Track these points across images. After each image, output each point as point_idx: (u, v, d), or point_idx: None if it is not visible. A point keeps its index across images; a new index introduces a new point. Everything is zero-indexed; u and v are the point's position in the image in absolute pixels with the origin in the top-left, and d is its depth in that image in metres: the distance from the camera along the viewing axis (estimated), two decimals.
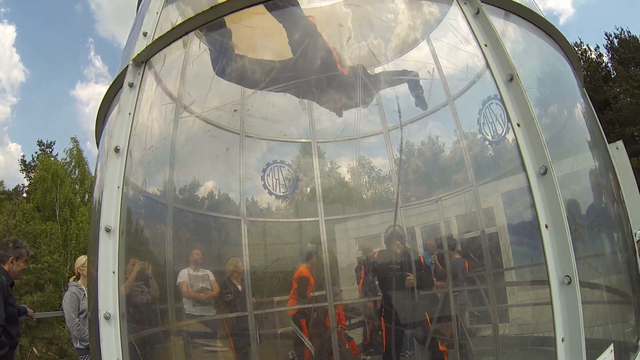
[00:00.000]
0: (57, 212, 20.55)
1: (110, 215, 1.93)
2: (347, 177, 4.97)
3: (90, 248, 2.79)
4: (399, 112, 3.80)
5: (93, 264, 2.13)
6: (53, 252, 19.14)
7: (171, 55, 2.65)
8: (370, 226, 4.70)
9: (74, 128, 50.43)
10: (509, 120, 1.68)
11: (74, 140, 23.62)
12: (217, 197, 4.36)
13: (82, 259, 4.78)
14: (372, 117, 4.58)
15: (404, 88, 4.18)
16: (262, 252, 4.71)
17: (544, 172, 1.61)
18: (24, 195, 26.32)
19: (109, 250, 1.88)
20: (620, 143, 6.34)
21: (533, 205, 1.63)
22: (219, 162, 4.31)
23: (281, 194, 4.49)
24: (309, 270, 4.56)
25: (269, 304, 4.49)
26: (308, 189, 4.62)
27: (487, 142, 3.87)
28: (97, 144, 3.25)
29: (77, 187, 22.47)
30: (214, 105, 3.80)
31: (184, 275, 4.02)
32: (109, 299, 1.88)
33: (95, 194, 2.97)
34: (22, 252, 3.47)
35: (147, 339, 2.78)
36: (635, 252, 3.01)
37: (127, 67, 2.37)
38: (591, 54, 25.59)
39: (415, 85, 3.62)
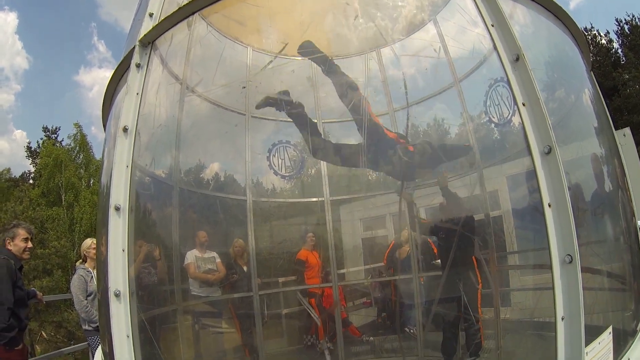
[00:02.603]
0: (63, 197, 20.77)
1: (120, 194, 1.95)
2: None
3: (99, 228, 2.83)
4: (406, 91, 3.77)
5: (103, 243, 2.16)
6: (60, 237, 19.40)
7: (177, 36, 2.65)
8: (376, 207, 4.72)
9: (79, 113, 50.44)
10: (515, 99, 1.68)
11: (77, 126, 23.75)
12: (222, 178, 4.39)
13: (88, 242, 4.85)
14: (379, 98, 4.55)
15: (409, 69, 4.16)
16: (268, 234, 4.75)
17: (548, 151, 1.61)
18: (30, 182, 26.56)
19: (118, 228, 1.91)
20: (627, 130, 6.24)
21: (537, 185, 1.64)
22: (225, 143, 4.32)
23: (287, 174, 4.50)
24: (307, 252, 4.63)
25: (274, 285, 4.56)
26: (313, 170, 4.62)
27: (492, 125, 3.86)
28: (104, 126, 3.26)
29: (82, 171, 22.62)
30: (220, 85, 3.81)
31: (190, 257, 4.08)
32: (119, 277, 1.91)
33: (103, 178, 2.99)
34: (17, 232, 3.45)
35: (156, 318, 2.83)
36: (638, 239, 3.02)
37: (133, 48, 2.36)
38: (601, 40, 25.14)
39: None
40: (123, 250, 1.95)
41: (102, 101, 3.09)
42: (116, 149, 2.06)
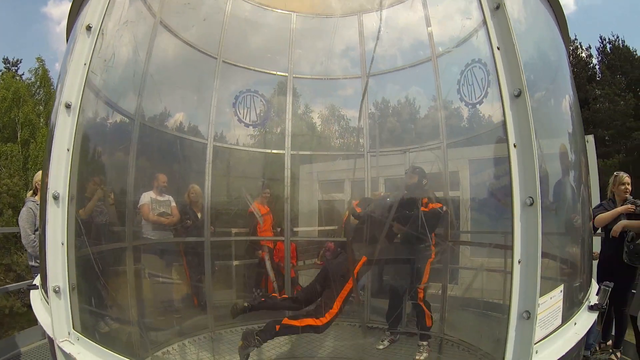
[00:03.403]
0: (18, 133, 19.64)
1: (73, 92, 1.83)
2: (319, 116, 4.94)
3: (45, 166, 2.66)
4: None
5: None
6: (13, 175, 18.46)
7: None
8: (335, 171, 4.74)
9: (44, 48, 46.65)
10: (490, 43, 1.69)
11: (40, 60, 22.61)
12: (185, 120, 4.26)
13: (41, 174, 4.63)
14: (353, 61, 4.51)
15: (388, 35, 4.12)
16: (225, 181, 4.69)
17: (518, 94, 1.63)
18: None
19: (66, 128, 1.81)
20: (591, 137, 6.54)
21: (504, 125, 1.66)
22: (191, 84, 4.17)
23: (250, 122, 4.41)
24: (260, 206, 4.62)
25: (226, 235, 4.53)
26: (279, 122, 4.56)
27: (463, 103, 3.93)
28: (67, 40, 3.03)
29: (41, 108, 21.42)
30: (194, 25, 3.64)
31: (146, 198, 3.97)
32: (60, 182, 1.84)
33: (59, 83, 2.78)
34: None
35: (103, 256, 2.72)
36: (591, 233, 3.18)
37: None
38: (582, 52, 26.00)
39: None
40: (68, 150, 1.85)
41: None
42: (76, 47, 1.91)
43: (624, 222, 3.89)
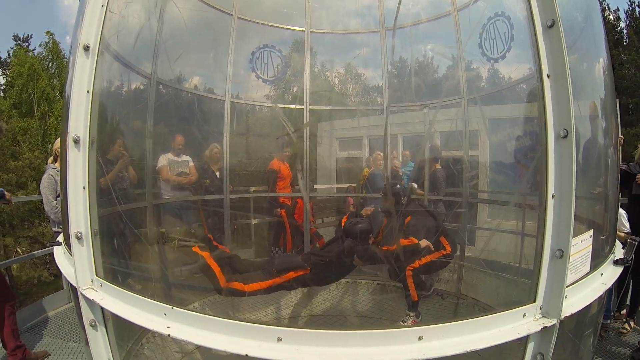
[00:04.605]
0: (35, 108, 19.92)
1: (91, 34, 1.79)
2: (337, 73, 4.84)
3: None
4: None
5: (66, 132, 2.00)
6: (33, 149, 18.86)
7: None
8: (354, 128, 4.68)
9: (53, 22, 46.38)
10: None
11: (49, 34, 22.46)
12: (203, 77, 4.23)
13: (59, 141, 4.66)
14: (370, 18, 4.36)
15: None
16: (244, 140, 4.68)
17: (551, 24, 1.55)
18: (1, 94, 25.17)
19: (85, 70, 1.78)
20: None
21: (537, 57, 1.58)
22: (207, 41, 4.11)
23: (268, 78, 4.35)
24: (280, 163, 4.61)
25: (245, 192, 4.55)
26: (297, 77, 4.49)
27: (485, 58, 3.78)
28: None
29: (55, 81, 21.57)
30: None
31: (164, 159, 3.99)
32: (80, 126, 1.82)
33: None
34: None
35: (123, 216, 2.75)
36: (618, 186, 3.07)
37: None
38: (609, 15, 24.62)
39: None
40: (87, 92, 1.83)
41: None
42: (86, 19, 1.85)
43: None
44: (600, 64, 2.68)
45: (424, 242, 3.24)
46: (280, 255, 4.25)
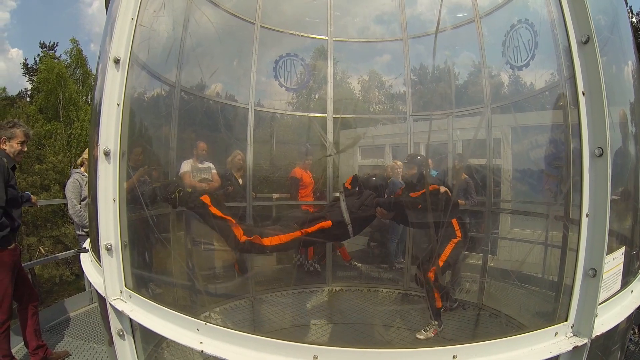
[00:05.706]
0: (61, 113, 20.51)
1: (121, 47, 1.82)
2: (361, 80, 4.84)
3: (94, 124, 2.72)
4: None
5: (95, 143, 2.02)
6: (58, 153, 19.40)
7: None
8: (377, 136, 4.66)
9: (77, 30, 47.83)
10: None
11: (74, 41, 23.10)
12: (226, 85, 4.28)
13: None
14: (393, 26, 4.36)
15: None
16: (268, 147, 4.72)
17: (586, 40, 1.53)
18: (27, 99, 26.04)
19: (116, 82, 1.81)
20: None
21: (573, 74, 1.56)
22: (231, 50, 4.17)
23: (292, 87, 4.39)
24: (302, 171, 4.63)
25: (268, 200, 4.58)
26: (320, 85, 4.51)
27: (509, 66, 3.73)
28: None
29: (80, 87, 22.20)
30: None
31: (186, 166, 4.04)
32: (111, 137, 1.84)
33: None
34: (15, 133, 3.30)
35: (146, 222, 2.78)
36: None
37: None
38: (632, 17, 23.93)
39: None
40: (118, 105, 1.85)
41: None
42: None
43: None
44: (629, 68, 2.63)
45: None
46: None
